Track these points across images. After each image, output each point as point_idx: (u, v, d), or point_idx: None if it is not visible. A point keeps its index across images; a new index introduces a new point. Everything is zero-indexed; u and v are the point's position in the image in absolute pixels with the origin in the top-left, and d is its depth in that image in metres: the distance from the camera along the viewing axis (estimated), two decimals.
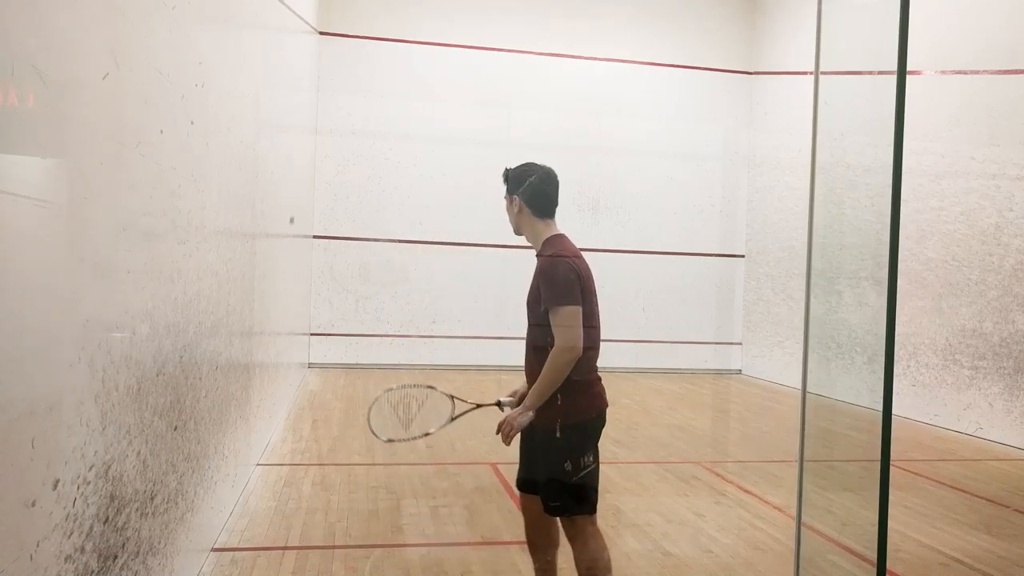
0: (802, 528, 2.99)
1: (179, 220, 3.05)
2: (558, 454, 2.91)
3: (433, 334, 11.10)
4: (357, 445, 6.41)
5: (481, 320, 10.90)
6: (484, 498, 5.04)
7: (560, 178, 3.10)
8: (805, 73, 9.89)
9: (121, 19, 2.33)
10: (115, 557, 2.37)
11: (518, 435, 2.98)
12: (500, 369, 9.60)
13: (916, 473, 6.24)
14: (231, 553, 3.93)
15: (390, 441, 3.14)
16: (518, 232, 3.11)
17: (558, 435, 2.89)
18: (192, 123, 3.21)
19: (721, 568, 4.00)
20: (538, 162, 3.10)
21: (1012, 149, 7.71)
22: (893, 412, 2.53)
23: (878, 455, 2.50)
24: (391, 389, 3.15)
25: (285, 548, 4.04)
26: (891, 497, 2.60)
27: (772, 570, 4.01)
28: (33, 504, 1.81)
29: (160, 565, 2.88)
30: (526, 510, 3.16)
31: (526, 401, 2.91)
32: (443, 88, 11.29)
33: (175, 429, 3.06)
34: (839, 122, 2.87)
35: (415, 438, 3.14)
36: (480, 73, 11.40)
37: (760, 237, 11.86)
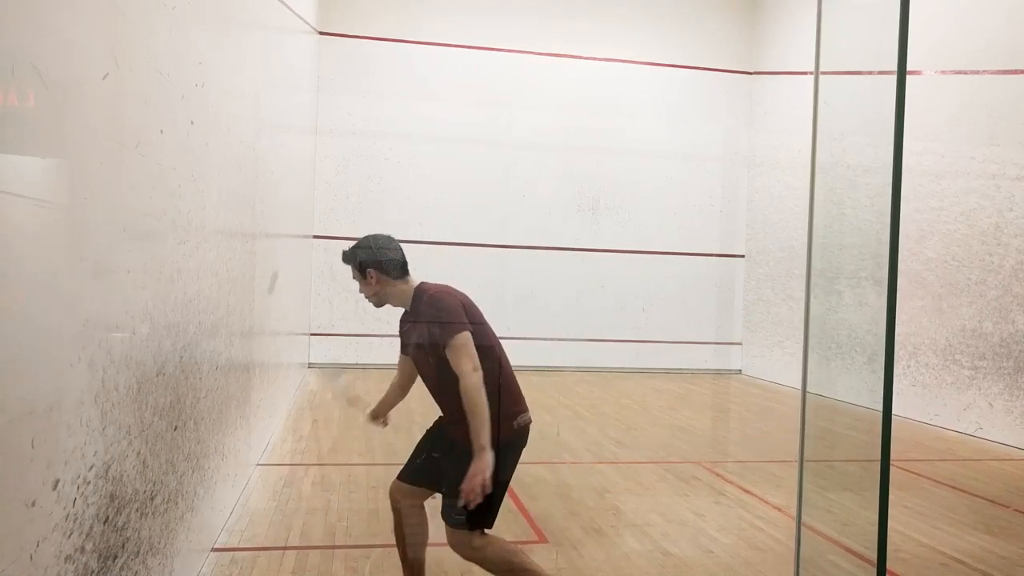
0: (802, 528, 2.99)
1: (179, 220, 3.05)
2: (512, 462, 3.05)
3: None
4: (357, 445, 6.41)
5: None
6: None
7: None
8: (805, 73, 9.89)
9: (121, 19, 2.33)
10: (115, 557, 2.37)
11: (424, 432, 3.25)
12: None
13: (916, 473, 6.24)
14: (231, 553, 3.93)
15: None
16: (381, 303, 3.12)
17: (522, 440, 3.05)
18: (192, 123, 3.21)
19: (721, 568, 4.00)
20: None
21: (1012, 149, 7.71)
22: (893, 412, 2.53)
23: (878, 455, 2.50)
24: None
25: (285, 548, 4.04)
26: (891, 497, 2.60)
27: (772, 570, 4.01)
28: (33, 504, 1.81)
29: (160, 565, 2.88)
30: (400, 502, 3.24)
31: (476, 447, 2.82)
32: (443, 88, 11.29)
33: (175, 429, 3.06)
34: (839, 122, 2.87)
35: None
36: (480, 73, 11.39)
37: (760, 237, 11.86)
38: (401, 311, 3.18)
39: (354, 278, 3.11)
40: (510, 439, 3.00)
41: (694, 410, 9.14)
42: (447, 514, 3.01)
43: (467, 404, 2.82)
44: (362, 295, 3.11)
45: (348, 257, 3.09)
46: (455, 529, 2.98)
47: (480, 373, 2.86)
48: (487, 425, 2.82)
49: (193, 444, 3.39)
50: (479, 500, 2.81)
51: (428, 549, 4.13)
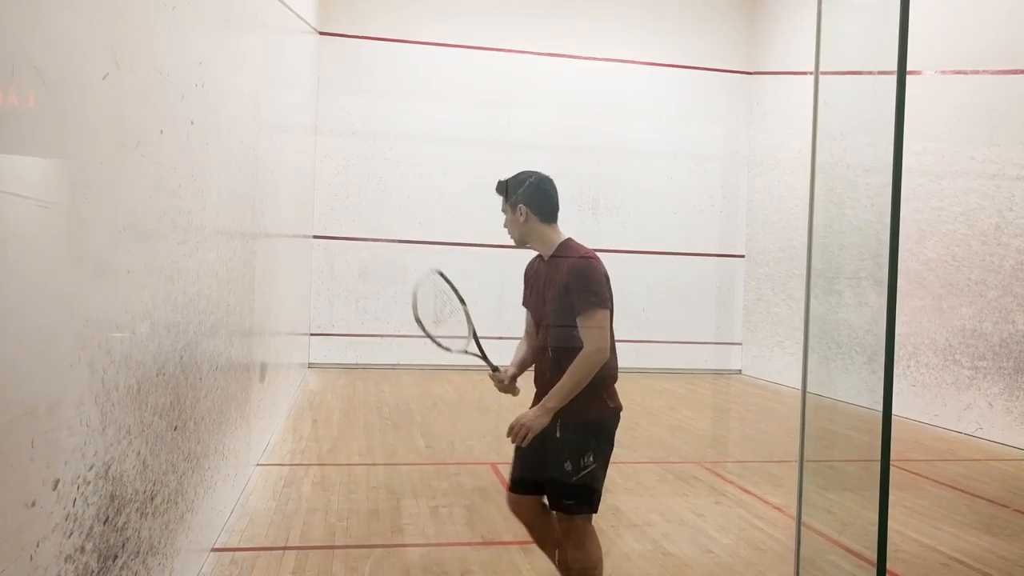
0: (802, 528, 2.99)
1: (179, 220, 3.05)
2: (558, 453, 2.90)
3: (433, 334, 11.08)
4: (357, 445, 6.41)
5: (481, 320, 10.87)
6: (484, 498, 5.04)
7: (560, 178, 3.10)
8: (805, 73, 9.88)
9: (121, 19, 2.33)
10: (115, 557, 2.37)
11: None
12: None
13: (916, 473, 6.24)
14: (231, 553, 3.93)
15: (418, 322, 3.12)
16: (523, 243, 3.06)
17: (558, 435, 2.89)
18: (192, 123, 3.21)
19: (721, 568, 4.00)
20: (545, 163, 3.08)
21: (1012, 149, 7.71)
22: (893, 412, 2.53)
23: (878, 455, 2.50)
24: (440, 273, 3.14)
25: (285, 548, 4.04)
26: (891, 497, 2.60)
27: (772, 570, 4.01)
28: (33, 504, 1.81)
29: (160, 565, 2.88)
30: (520, 513, 3.12)
31: (546, 401, 2.84)
32: (443, 88, 11.29)
33: (175, 429, 3.06)
34: (839, 122, 2.87)
35: (439, 345, 3.12)
36: (480, 73, 11.40)
37: (760, 237, 11.86)
38: (527, 258, 3.09)
39: (503, 210, 3.05)
40: (599, 427, 2.93)
41: (694, 410, 9.14)
42: (555, 503, 2.94)
43: (572, 369, 2.79)
44: (505, 229, 3.05)
45: (503, 188, 3.04)
46: (568, 517, 2.93)
47: (605, 357, 2.81)
48: (569, 397, 2.80)
49: (193, 444, 3.39)
50: (517, 441, 2.84)
51: (426, 549, 4.14)
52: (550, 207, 3.03)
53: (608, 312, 2.86)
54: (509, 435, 2.88)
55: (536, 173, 3.06)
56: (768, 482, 5.75)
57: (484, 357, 3.14)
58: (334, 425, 7.21)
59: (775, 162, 11.66)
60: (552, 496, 2.96)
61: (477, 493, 5.16)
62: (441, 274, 3.21)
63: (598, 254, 3.02)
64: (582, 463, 2.89)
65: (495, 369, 3.13)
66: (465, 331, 3.17)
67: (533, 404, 3.01)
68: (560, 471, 2.89)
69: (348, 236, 11.06)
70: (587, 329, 2.82)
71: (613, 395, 2.98)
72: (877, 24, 2.65)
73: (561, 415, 2.87)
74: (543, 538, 3.14)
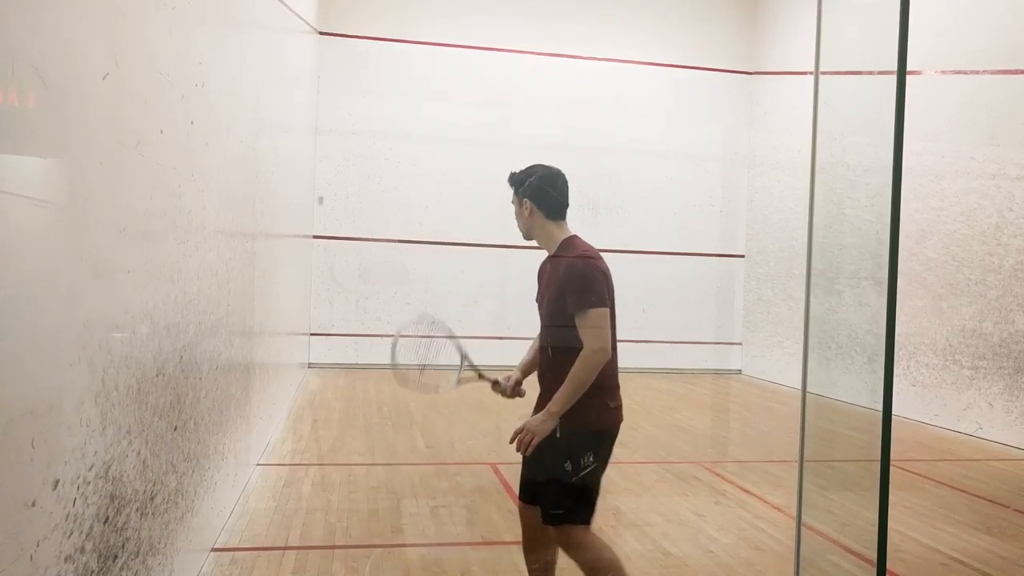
0: (802, 528, 2.99)
1: (179, 220, 3.05)
2: (555, 457, 2.85)
3: (433, 334, 11.09)
4: (357, 445, 6.41)
5: (481, 320, 10.89)
6: (484, 498, 5.04)
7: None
8: (805, 73, 9.88)
9: (121, 19, 2.33)
10: (115, 557, 2.37)
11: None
12: (500, 369, 9.60)
13: (916, 473, 6.24)
14: (231, 553, 3.93)
15: (395, 367, 3.13)
16: (528, 236, 3.03)
17: (557, 435, 2.86)
18: (192, 123, 3.21)
19: (721, 568, 4.00)
20: (545, 162, 3.05)
21: (1012, 149, 7.71)
22: (893, 412, 2.53)
23: (878, 455, 2.50)
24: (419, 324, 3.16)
25: (285, 548, 4.04)
26: (891, 497, 2.60)
27: (772, 570, 4.01)
28: (33, 504, 1.81)
29: (160, 565, 2.88)
30: (524, 520, 3.09)
31: (550, 406, 2.79)
32: (443, 88, 11.29)
33: (175, 429, 3.06)
34: (839, 122, 2.87)
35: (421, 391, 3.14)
36: (480, 73, 11.39)
37: (760, 237, 11.86)
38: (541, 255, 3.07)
39: (512, 202, 3.02)
40: (600, 430, 2.89)
41: (694, 410, 9.14)
42: (545, 515, 2.88)
43: (574, 371, 2.73)
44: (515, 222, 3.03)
45: (512, 180, 3.00)
46: (558, 528, 2.87)
47: (606, 356, 2.75)
48: (573, 400, 2.75)
49: (193, 444, 3.39)
50: (520, 450, 2.79)
51: (426, 549, 4.14)
52: (555, 203, 2.97)
53: (605, 311, 2.80)
54: (513, 442, 2.84)
55: (546, 167, 3.00)
56: (768, 482, 5.75)
57: (480, 375, 3.12)
58: (334, 425, 7.21)
59: (775, 162, 11.66)
60: (544, 505, 2.88)
61: (477, 493, 5.16)
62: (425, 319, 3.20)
63: (601, 253, 2.99)
64: (582, 463, 2.85)
65: (495, 383, 3.12)
66: (457, 362, 3.16)
67: (537, 404, 2.97)
68: (558, 474, 2.84)
69: (348, 236, 11.06)
70: (584, 329, 2.77)
71: (616, 398, 2.92)
72: (877, 24, 2.65)
73: (562, 417, 2.82)
74: (533, 547, 3.07)
